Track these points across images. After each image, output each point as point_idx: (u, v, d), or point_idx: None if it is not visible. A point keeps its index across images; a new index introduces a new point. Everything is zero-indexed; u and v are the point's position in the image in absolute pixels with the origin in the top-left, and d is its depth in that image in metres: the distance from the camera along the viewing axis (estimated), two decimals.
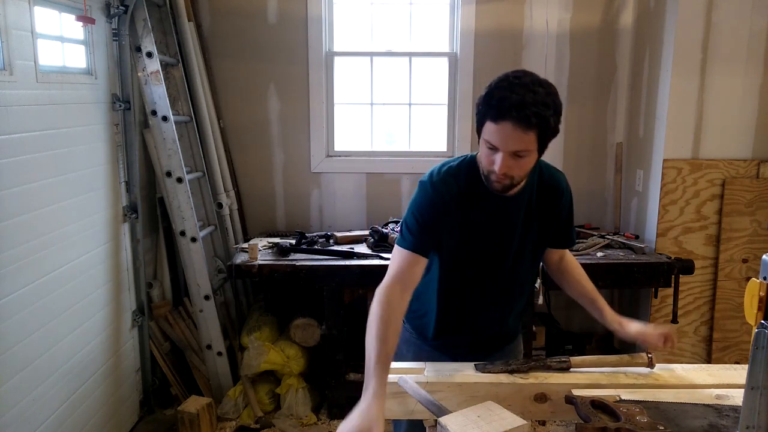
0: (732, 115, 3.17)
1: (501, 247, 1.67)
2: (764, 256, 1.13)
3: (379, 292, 1.53)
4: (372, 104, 3.80)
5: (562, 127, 1.52)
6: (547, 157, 1.78)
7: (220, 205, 3.49)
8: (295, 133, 3.71)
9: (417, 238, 1.59)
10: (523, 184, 1.59)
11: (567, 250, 1.85)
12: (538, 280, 2.92)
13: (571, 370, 1.60)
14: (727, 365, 1.66)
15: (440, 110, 3.77)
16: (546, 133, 1.47)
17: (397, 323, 1.50)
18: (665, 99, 3.18)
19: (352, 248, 3.25)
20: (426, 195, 1.61)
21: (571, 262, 1.85)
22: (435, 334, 1.80)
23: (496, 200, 1.59)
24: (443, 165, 1.66)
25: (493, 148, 1.47)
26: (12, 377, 2.18)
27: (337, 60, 3.72)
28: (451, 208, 1.60)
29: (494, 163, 1.48)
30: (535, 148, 1.47)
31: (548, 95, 1.44)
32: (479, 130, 1.49)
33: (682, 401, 1.43)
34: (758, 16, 3.07)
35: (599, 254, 3.19)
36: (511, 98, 1.40)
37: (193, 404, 2.91)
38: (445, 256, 1.68)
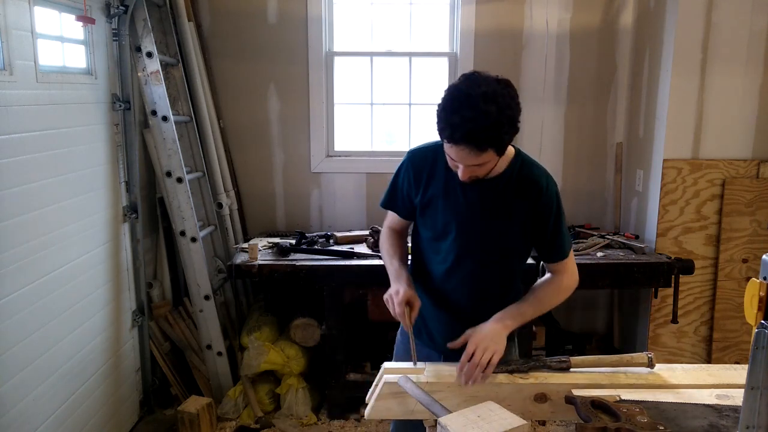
0: (732, 115, 3.17)
1: (469, 226, 1.69)
2: (764, 256, 1.13)
3: (381, 232, 1.93)
4: (372, 104, 3.80)
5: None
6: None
7: (220, 205, 3.49)
8: (295, 133, 3.71)
9: (389, 197, 1.84)
10: (500, 171, 1.64)
11: (566, 273, 1.75)
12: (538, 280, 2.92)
13: (571, 370, 1.60)
14: (727, 365, 1.66)
15: None
16: (503, 146, 1.51)
17: (399, 240, 1.89)
18: (665, 99, 3.18)
19: (352, 248, 3.25)
20: (404, 162, 1.78)
21: (556, 275, 1.77)
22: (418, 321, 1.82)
23: (471, 182, 1.62)
24: (436, 141, 1.72)
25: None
26: (12, 377, 2.18)
27: (337, 60, 3.72)
28: (422, 177, 1.71)
29: (457, 169, 1.56)
30: (495, 156, 1.52)
31: (501, 112, 1.43)
32: (440, 137, 1.54)
33: (682, 401, 1.43)
34: (758, 16, 3.07)
35: (599, 254, 3.19)
36: (463, 127, 1.43)
37: (193, 404, 2.91)
38: (420, 231, 1.79)
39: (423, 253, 1.81)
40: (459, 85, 1.49)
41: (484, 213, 1.67)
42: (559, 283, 1.75)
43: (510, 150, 1.66)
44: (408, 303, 1.65)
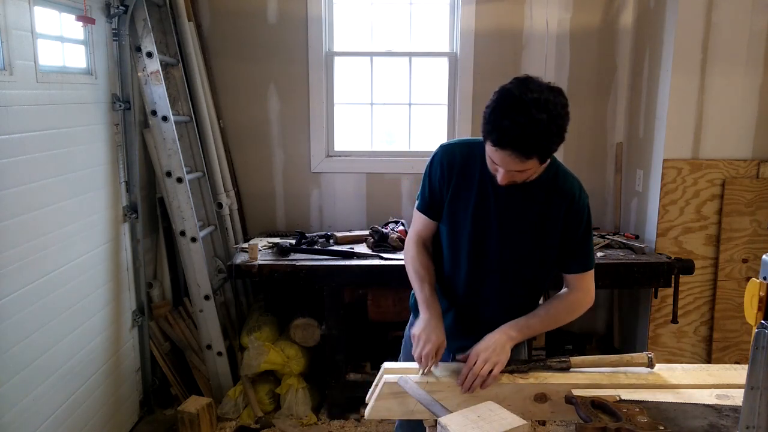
0: (732, 115, 3.17)
1: (498, 229, 1.66)
2: (764, 256, 1.13)
3: (406, 243, 1.83)
4: (372, 104, 3.80)
5: None
6: None
7: (220, 205, 3.49)
8: (295, 133, 3.71)
9: (424, 200, 1.76)
10: (534, 177, 1.59)
11: (582, 290, 1.73)
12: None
13: (571, 370, 1.60)
14: (727, 365, 1.67)
15: (440, 110, 3.77)
16: (548, 155, 1.50)
17: (428, 257, 1.78)
18: (665, 99, 3.17)
19: (352, 248, 3.25)
20: (436, 155, 1.74)
21: (572, 291, 1.74)
22: None
23: (501, 185, 1.58)
24: (468, 138, 1.74)
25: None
26: (12, 377, 2.18)
27: (337, 60, 3.72)
28: (453, 172, 1.68)
29: (497, 172, 1.53)
30: (538, 164, 1.50)
31: (552, 121, 1.41)
32: (485, 139, 1.51)
33: (682, 401, 1.43)
34: (758, 16, 3.07)
35: (599, 254, 3.19)
36: (512, 131, 1.40)
37: (193, 404, 2.91)
38: (446, 227, 1.75)
39: (442, 252, 1.77)
40: (511, 88, 1.44)
41: (514, 217, 1.65)
42: (572, 300, 1.73)
43: None
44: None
